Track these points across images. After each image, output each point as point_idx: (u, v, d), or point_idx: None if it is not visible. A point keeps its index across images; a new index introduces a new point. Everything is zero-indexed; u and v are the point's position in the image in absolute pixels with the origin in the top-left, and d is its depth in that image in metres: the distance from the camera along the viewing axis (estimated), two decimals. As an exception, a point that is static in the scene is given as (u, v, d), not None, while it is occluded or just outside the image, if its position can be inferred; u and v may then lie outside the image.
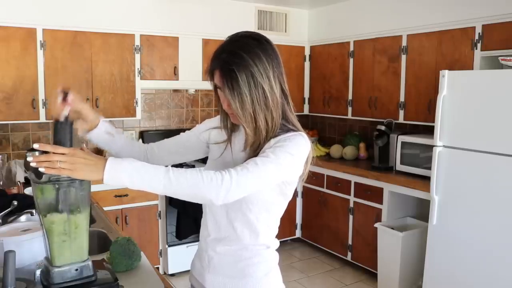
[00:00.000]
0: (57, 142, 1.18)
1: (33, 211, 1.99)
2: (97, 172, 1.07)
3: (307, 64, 4.87)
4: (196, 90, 4.50)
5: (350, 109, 4.36)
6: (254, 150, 1.25)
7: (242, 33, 1.26)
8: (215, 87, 1.27)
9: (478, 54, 3.22)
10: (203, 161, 1.58)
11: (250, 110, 1.19)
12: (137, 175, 1.08)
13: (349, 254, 4.08)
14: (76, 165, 1.07)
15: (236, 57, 1.19)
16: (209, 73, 1.26)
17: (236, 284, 1.33)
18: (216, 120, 1.44)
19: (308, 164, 1.31)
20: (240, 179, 1.12)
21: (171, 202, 3.77)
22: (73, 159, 1.07)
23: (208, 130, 1.46)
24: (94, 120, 1.40)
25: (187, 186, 1.09)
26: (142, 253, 1.67)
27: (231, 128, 1.36)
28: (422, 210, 3.71)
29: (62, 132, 1.20)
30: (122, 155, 1.43)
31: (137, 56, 3.87)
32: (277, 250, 1.41)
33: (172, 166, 1.20)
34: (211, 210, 1.38)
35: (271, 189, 1.27)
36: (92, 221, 2.06)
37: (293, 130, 1.27)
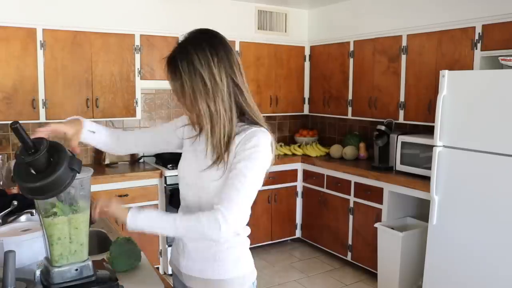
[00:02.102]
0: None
1: (33, 211, 1.99)
2: (122, 216, 1.32)
3: (307, 64, 4.87)
4: (196, 90, 4.49)
5: (350, 109, 4.36)
6: (214, 151, 1.33)
7: (194, 29, 1.37)
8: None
9: (478, 54, 3.22)
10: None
11: (189, 95, 1.29)
12: (152, 224, 1.31)
13: (349, 254, 4.08)
14: (109, 208, 1.34)
15: (180, 48, 1.32)
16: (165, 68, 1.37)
17: (208, 268, 1.42)
18: (186, 118, 1.52)
19: (273, 153, 1.38)
20: (231, 217, 1.26)
21: (171, 202, 3.77)
22: (109, 205, 1.34)
23: (183, 127, 1.54)
24: (76, 128, 1.46)
25: (192, 232, 1.30)
26: (142, 253, 1.67)
27: (196, 121, 1.42)
28: (422, 210, 3.72)
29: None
30: (108, 147, 1.60)
31: (137, 56, 3.87)
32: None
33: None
34: (186, 203, 1.47)
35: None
36: (92, 221, 2.06)
37: (253, 124, 1.35)
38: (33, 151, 1.17)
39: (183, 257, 1.47)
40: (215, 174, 1.35)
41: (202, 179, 1.38)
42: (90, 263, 1.36)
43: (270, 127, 1.40)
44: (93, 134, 1.51)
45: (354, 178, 3.96)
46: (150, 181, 3.78)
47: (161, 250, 3.88)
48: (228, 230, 1.26)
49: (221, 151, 1.32)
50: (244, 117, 1.36)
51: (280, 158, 4.49)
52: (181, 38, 1.36)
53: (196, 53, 1.28)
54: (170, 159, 4.02)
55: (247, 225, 1.48)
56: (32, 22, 3.43)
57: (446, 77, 2.99)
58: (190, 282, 1.46)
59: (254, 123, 1.36)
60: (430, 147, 3.19)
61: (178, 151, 1.58)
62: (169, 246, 3.80)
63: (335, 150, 4.43)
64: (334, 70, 4.52)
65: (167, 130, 1.59)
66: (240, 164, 1.29)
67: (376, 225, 3.59)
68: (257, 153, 1.30)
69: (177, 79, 1.30)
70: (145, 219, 1.30)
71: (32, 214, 2.00)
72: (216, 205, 1.28)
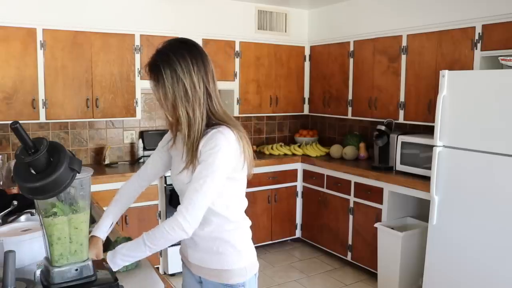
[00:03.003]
0: None
1: (33, 211, 1.99)
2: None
3: (307, 64, 4.87)
4: (196, 90, 4.49)
5: (350, 109, 4.36)
6: (188, 150, 1.42)
7: (173, 39, 1.48)
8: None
9: (478, 54, 3.22)
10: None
11: (171, 101, 1.39)
12: (130, 259, 1.43)
13: (349, 254, 4.08)
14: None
15: (163, 55, 1.40)
16: (146, 72, 1.46)
17: (213, 259, 1.51)
18: (169, 135, 1.62)
19: (244, 148, 1.44)
20: (190, 215, 1.35)
21: (171, 202, 3.78)
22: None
23: (168, 143, 1.61)
24: (97, 250, 1.53)
25: (162, 243, 1.39)
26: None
27: (175, 128, 1.52)
28: (422, 210, 3.71)
29: None
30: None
31: (137, 56, 3.87)
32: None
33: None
34: (180, 198, 1.52)
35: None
36: (92, 221, 2.06)
37: (217, 125, 1.42)
38: (33, 151, 1.17)
39: (190, 249, 1.56)
40: (185, 177, 1.44)
41: (178, 182, 1.49)
42: (90, 263, 1.36)
43: (239, 124, 1.48)
44: (111, 227, 1.64)
45: (354, 178, 3.96)
46: (150, 181, 3.77)
47: (161, 250, 3.88)
48: (191, 228, 1.36)
49: (193, 154, 1.41)
50: (210, 121, 1.44)
51: (280, 158, 4.49)
52: (160, 45, 1.45)
53: (179, 61, 1.38)
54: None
55: (246, 215, 1.58)
56: (32, 22, 3.43)
57: (446, 77, 2.99)
58: (197, 270, 1.57)
59: (218, 124, 1.43)
60: (430, 147, 3.19)
61: None
62: (169, 246, 3.79)
63: (335, 150, 4.43)
64: (334, 70, 4.52)
65: (160, 157, 1.68)
66: (200, 166, 1.38)
67: (376, 225, 3.59)
68: (215, 153, 1.37)
69: (160, 86, 1.39)
70: (122, 260, 1.41)
71: (32, 214, 2.01)
72: (179, 207, 1.37)
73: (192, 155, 1.40)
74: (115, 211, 1.68)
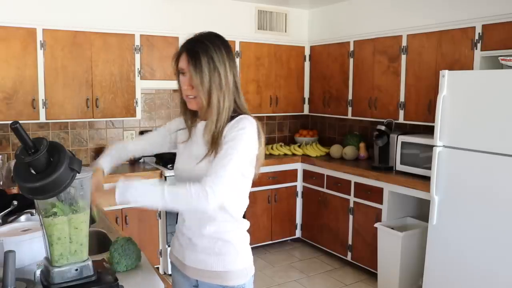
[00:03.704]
0: None
1: (33, 211, 1.99)
2: (111, 199, 1.38)
3: (307, 64, 4.87)
4: (196, 90, 4.49)
5: (350, 109, 4.36)
6: (213, 137, 1.44)
7: (206, 31, 1.52)
8: (178, 73, 1.49)
9: (478, 54, 3.22)
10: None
11: (207, 87, 1.42)
12: (141, 199, 1.37)
13: (349, 254, 4.08)
14: (96, 198, 1.41)
15: (201, 43, 1.45)
16: (176, 58, 1.49)
17: (213, 261, 1.50)
18: (178, 122, 1.67)
19: (260, 140, 1.50)
20: (218, 188, 1.34)
21: (171, 202, 3.77)
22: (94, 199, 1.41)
23: (176, 132, 1.67)
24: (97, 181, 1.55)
25: (180, 204, 1.39)
26: (142, 253, 1.67)
27: (191, 119, 1.57)
28: (422, 210, 3.71)
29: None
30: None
31: (137, 56, 3.87)
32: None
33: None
34: None
35: None
36: (92, 221, 2.06)
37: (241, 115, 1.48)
38: (33, 151, 1.17)
39: (188, 250, 1.54)
40: (206, 165, 1.44)
41: (196, 172, 1.46)
42: (90, 263, 1.36)
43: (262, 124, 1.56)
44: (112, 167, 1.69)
45: (354, 178, 3.96)
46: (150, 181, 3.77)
47: (161, 250, 3.88)
48: (215, 201, 1.35)
49: (216, 142, 1.44)
50: (235, 112, 1.50)
51: (280, 158, 4.49)
52: (193, 34, 1.49)
53: (215, 50, 1.44)
54: (170, 159, 4.02)
55: (244, 217, 1.59)
56: (32, 22, 3.43)
57: (446, 77, 2.99)
58: (195, 274, 1.53)
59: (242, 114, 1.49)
60: (430, 147, 3.19)
61: (173, 151, 1.74)
62: (169, 246, 3.80)
63: (335, 150, 4.43)
64: (334, 70, 4.52)
65: (159, 136, 1.75)
66: (227, 145, 1.41)
67: (376, 225, 3.59)
68: (242, 135, 1.42)
69: (197, 72, 1.42)
70: (134, 194, 1.36)
71: (32, 214, 2.01)
72: (205, 177, 1.36)
73: (215, 142, 1.43)
74: (115, 156, 1.74)
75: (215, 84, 1.42)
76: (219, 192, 1.35)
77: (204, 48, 1.43)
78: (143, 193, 1.37)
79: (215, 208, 1.40)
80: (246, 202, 1.57)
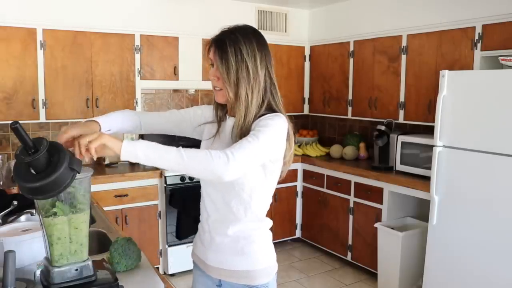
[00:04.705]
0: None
1: (33, 211, 1.99)
2: (117, 146, 1.20)
3: (307, 64, 4.87)
4: (196, 90, 4.50)
5: (350, 109, 4.36)
6: (241, 133, 1.40)
7: (242, 24, 1.49)
8: (210, 63, 1.46)
9: (478, 54, 3.22)
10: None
11: (233, 78, 1.39)
12: (151, 151, 1.22)
13: (349, 254, 4.08)
14: (102, 140, 1.20)
15: (231, 34, 1.42)
16: (208, 49, 1.47)
17: (236, 260, 1.47)
18: (210, 111, 1.60)
19: (290, 142, 1.47)
20: (239, 155, 1.27)
21: (171, 202, 3.77)
22: (101, 136, 1.21)
23: (203, 125, 1.61)
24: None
25: (197, 162, 1.24)
26: (142, 253, 1.67)
27: (221, 115, 1.53)
28: (422, 210, 3.71)
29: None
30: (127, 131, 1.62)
31: (137, 56, 3.87)
32: (274, 243, 1.56)
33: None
34: (208, 193, 1.52)
35: (257, 170, 1.42)
36: (92, 221, 2.06)
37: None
38: (33, 151, 1.17)
39: (211, 250, 1.52)
40: None
41: None
42: (90, 263, 1.36)
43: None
44: (109, 131, 1.48)
45: (354, 178, 3.96)
46: (150, 181, 3.78)
47: (161, 250, 3.88)
48: (234, 168, 1.25)
49: (245, 135, 1.38)
50: (270, 110, 1.46)
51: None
52: (227, 27, 1.46)
53: (245, 43, 1.40)
54: (170, 159, 4.02)
55: (267, 216, 1.55)
56: (32, 22, 3.43)
57: (446, 77, 2.99)
58: (219, 274, 1.51)
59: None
60: (430, 147, 3.19)
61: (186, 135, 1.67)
62: (170, 246, 3.81)
63: (335, 150, 4.43)
64: (334, 70, 4.52)
65: (189, 120, 1.63)
66: (255, 130, 1.36)
67: (376, 225, 3.59)
68: (271, 124, 1.37)
69: (223, 62, 1.39)
70: (143, 144, 1.22)
71: (32, 214, 2.01)
72: (228, 148, 1.30)
73: (244, 135, 1.38)
74: (119, 117, 1.55)
75: (243, 77, 1.39)
76: (240, 159, 1.26)
77: (232, 39, 1.40)
78: (155, 147, 1.23)
79: (231, 177, 1.27)
80: (270, 201, 1.55)
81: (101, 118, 1.48)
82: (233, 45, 1.39)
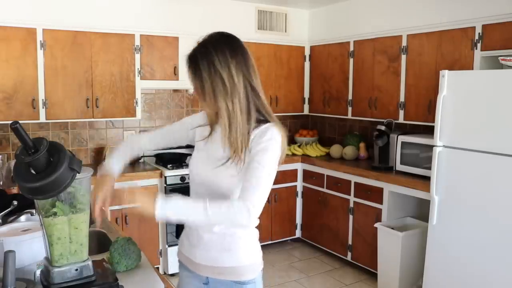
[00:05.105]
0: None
1: (33, 211, 1.99)
2: (150, 209, 1.31)
3: (307, 64, 4.87)
4: (196, 90, 4.49)
5: (350, 109, 4.36)
6: (230, 142, 1.41)
7: (215, 32, 1.47)
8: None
9: (478, 54, 3.22)
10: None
11: (210, 93, 1.39)
12: (181, 215, 1.35)
13: (349, 254, 4.08)
14: (137, 201, 1.33)
15: (202, 47, 1.41)
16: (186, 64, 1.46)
17: (224, 257, 1.50)
18: (200, 118, 1.64)
19: (284, 145, 1.47)
20: (258, 201, 1.36)
21: (171, 202, 3.77)
22: (135, 196, 1.34)
23: (194, 129, 1.63)
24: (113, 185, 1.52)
25: (222, 218, 1.36)
26: (142, 253, 1.67)
27: (211, 120, 1.54)
28: (422, 210, 3.71)
29: None
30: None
31: (137, 56, 3.87)
32: (257, 227, 1.58)
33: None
34: (196, 192, 1.55)
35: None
36: (92, 221, 2.06)
37: (266, 121, 1.44)
38: (33, 151, 1.17)
39: (199, 248, 1.54)
40: (230, 170, 1.43)
41: (217, 175, 1.46)
42: (90, 263, 1.36)
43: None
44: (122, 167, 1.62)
45: (354, 178, 3.96)
46: (150, 181, 3.78)
47: (161, 250, 3.88)
48: (255, 216, 1.35)
49: (238, 148, 1.41)
50: (259, 116, 1.46)
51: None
52: (201, 38, 1.45)
53: (217, 54, 1.38)
54: (170, 159, 4.02)
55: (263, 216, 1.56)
56: (32, 22, 3.43)
57: (446, 77, 2.99)
58: (205, 271, 1.54)
59: (267, 120, 1.46)
60: (430, 147, 3.19)
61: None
62: (170, 246, 3.81)
63: (335, 150, 4.43)
64: (334, 70, 4.52)
65: (179, 130, 1.70)
66: (258, 157, 1.39)
67: (376, 225, 3.59)
68: (272, 145, 1.40)
69: (197, 77, 1.40)
70: (174, 208, 1.33)
71: (32, 214, 2.01)
72: (242, 193, 1.36)
73: (238, 148, 1.40)
74: (125, 153, 1.67)
75: (219, 89, 1.38)
76: (259, 208, 1.36)
77: (203, 52, 1.39)
78: (184, 207, 1.35)
79: (254, 222, 1.44)
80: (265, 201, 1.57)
81: (110, 165, 1.58)
82: (205, 58, 1.38)
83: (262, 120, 1.45)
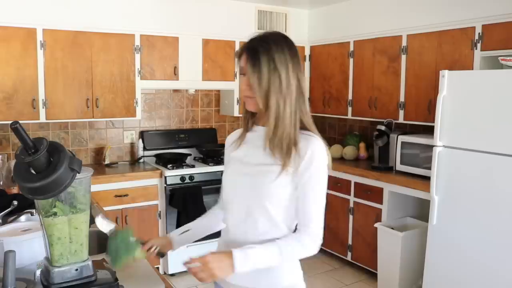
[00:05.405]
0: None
1: (33, 211, 1.99)
2: (229, 271, 1.30)
3: (307, 64, 4.87)
4: (196, 90, 4.50)
5: (350, 109, 4.36)
6: (273, 145, 1.37)
7: (273, 31, 1.45)
8: (241, 72, 1.43)
9: (478, 54, 3.22)
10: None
11: (265, 88, 1.34)
12: (259, 264, 1.34)
13: (349, 254, 4.08)
14: (212, 271, 1.29)
15: (263, 42, 1.37)
16: (238, 56, 1.43)
17: (262, 278, 1.42)
18: (230, 137, 1.59)
19: (329, 161, 1.50)
20: (321, 230, 1.41)
21: (171, 202, 3.77)
22: (208, 267, 1.29)
23: (228, 149, 1.57)
24: (166, 242, 1.58)
25: (295, 256, 1.43)
26: (142, 252, 1.66)
27: (250, 121, 1.49)
28: (422, 210, 3.71)
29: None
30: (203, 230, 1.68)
31: (137, 56, 3.87)
32: None
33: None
34: (232, 212, 1.48)
35: (285, 186, 1.39)
36: (92, 221, 2.06)
37: (306, 129, 1.41)
38: (33, 151, 1.17)
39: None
40: (281, 180, 1.37)
41: (256, 177, 1.40)
42: (90, 263, 1.36)
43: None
44: (189, 231, 1.63)
45: (354, 178, 3.96)
46: (150, 181, 3.78)
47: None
48: (320, 243, 1.41)
49: (283, 152, 1.37)
50: (301, 122, 1.42)
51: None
52: (259, 33, 1.42)
53: (278, 52, 1.36)
54: (170, 159, 4.03)
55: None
56: (32, 22, 3.43)
57: (446, 77, 2.99)
58: None
59: (306, 129, 1.42)
60: (430, 147, 3.19)
61: None
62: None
63: (335, 150, 4.43)
64: (334, 70, 4.52)
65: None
66: (313, 181, 1.41)
67: (376, 225, 3.59)
68: (323, 166, 1.43)
69: (255, 71, 1.35)
70: (253, 265, 1.33)
71: (32, 214, 2.01)
72: (307, 223, 1.39)
73: (283, 152, 1.36)
74: (197, 221, 1.67)
75: (274, 86, 1.34)
76: (321, 232, 1.41)
77: (265, 47, 1.35)
78: (261, 256, 1.33)
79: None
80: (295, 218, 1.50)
81: (174, 231, 1.64)
82: (266, 53, 1.35)
83: (303, 127, 1.41)
